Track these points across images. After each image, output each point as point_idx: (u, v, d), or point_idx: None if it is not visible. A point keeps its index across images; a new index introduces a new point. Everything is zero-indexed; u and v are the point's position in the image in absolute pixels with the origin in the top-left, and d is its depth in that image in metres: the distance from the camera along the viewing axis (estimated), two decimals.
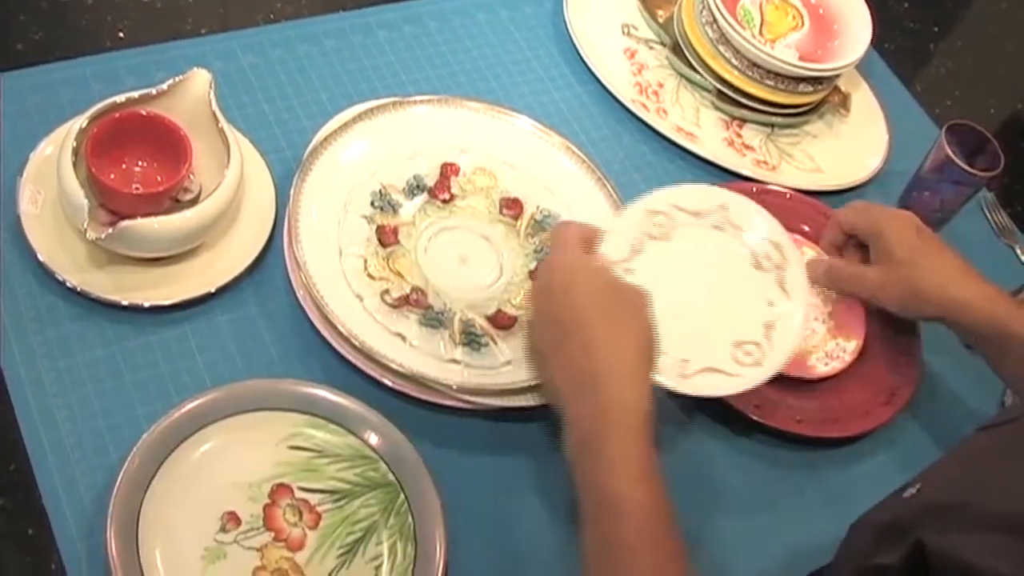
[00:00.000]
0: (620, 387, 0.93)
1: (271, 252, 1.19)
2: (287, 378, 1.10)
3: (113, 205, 1.10)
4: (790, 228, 1.21)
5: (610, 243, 1.10)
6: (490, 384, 1.12)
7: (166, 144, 1.13)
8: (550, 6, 1.57)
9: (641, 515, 0.88)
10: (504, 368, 1.15)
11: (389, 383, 1.11)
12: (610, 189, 1.30)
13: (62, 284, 1.09)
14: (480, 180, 1.29)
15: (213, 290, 1.14)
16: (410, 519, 1.05)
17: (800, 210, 1.40)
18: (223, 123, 1.16)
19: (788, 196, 1.42)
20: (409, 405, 1.12)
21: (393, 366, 1.09)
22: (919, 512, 0.91)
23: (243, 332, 1.14)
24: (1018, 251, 1.53)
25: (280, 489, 1.04)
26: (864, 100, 1.64)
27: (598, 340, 0.95)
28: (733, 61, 1.47)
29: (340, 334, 1.09)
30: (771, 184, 1.44)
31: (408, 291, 1.17)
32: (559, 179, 1.31)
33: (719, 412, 1.22)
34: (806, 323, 1.17)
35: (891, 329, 1.32)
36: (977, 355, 1.24)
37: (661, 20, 1.58)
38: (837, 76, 1.53)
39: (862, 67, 1.62)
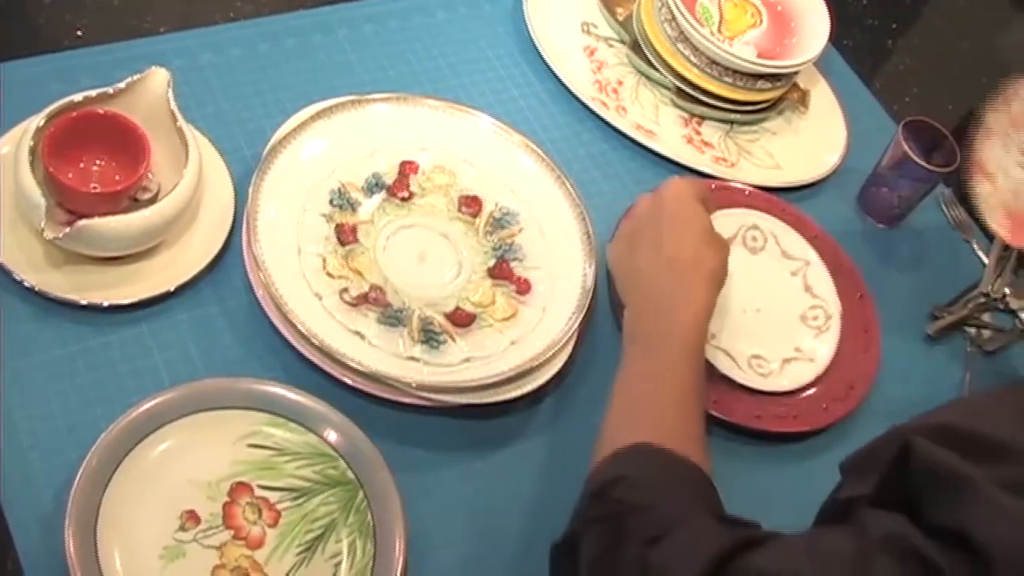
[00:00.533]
0: (695, 289, 1.11)
1: (230, 251, 1.18)
2: (246, 376, 1.10)
3: (71, 204, 1.10)
4: None
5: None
6: (449, 381, 1.12)
7: (124, 143, 1.13)
8: (509, 4, 1.57)
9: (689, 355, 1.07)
10: (463, 365, 1.15)
11: (348, 381, 1.11)
12: (569, 187, 1.30)
13: (19, 284, 1.09)
14: (439, 178, 1.29)
15: (172, 289, 1.13)
16: (369, 516, 1.05)
17: (759, 206, 1.41)
18: (181, 122, 1.15)
19: (747, 193, 1.43)
20: (368, 403, 1.12)
21: (352, 364, 1.09)
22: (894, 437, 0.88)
23: (202, 331, 1.14)
24: (974, 245, 1.54)
25: (239, 487, 1.04)
26: (823, 97, 1.65)
27: (689, 247, 1.13)
28: (692, 59, 1.47)
29: (299, 333, 1.09)
30: (730, 181, 1.45)
31: (367, 289, 1.18)
32: (518, 177, 1.31)
33: None
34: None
35: (847, 324, 1.34)
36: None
37: (620, 18, 1.58)
38: (795, 73, 1.54)
39: (821, 64, 1.62)
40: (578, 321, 1.20)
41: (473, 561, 1.09)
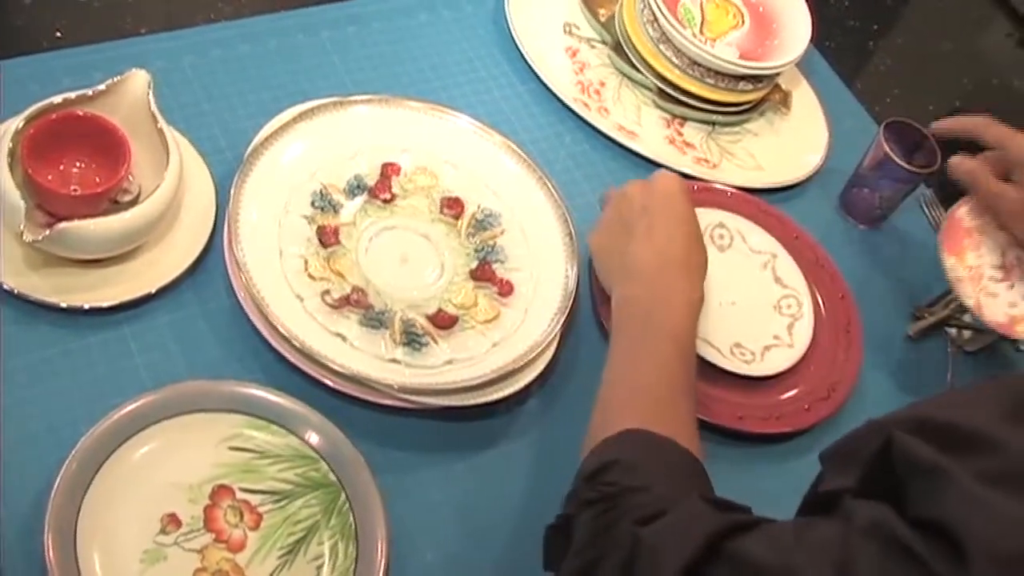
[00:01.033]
0: (688, 280, 1.13)
1: (211, 253, 1.18)
2: (227, 379, 1.09)
3: (51, 207, 1.09)
4: None
5: None
6: (431, 384, 1.12)
7: (104, 145, 1.12)
8: (491, 5, 1.57)
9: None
10: (445, 367, 1.15)
11: (330, 383, 1.11)
12: (551, 188, 1.30)
13: None
14: (421, 179, 1.29)
15: (153, 291, 1.13)
16: (351, 519, 1.05)
17: (741, 207, 1.41)
18: (162, 124, 1.15)
19: (729, 194, 1.43)
20: (350, 405, 1.12)
21: (334, 367, 1.09)
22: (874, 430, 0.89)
23: (183, 333, 1.13)
24: None
25: (221, 490, 1.04)
26: (804, 98, 1.65)
27: (680, 242, 1.15)
28: (674, 60, 1.48)
29: (280, 335, 1.09)
30: (712, 182, 1.45)
31: (349, 291, 1.17)
32: (500, 178, 1.31)
33: None
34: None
35: (829, 325, 1.34)
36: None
37: (603, 19, 1.58)
38: (777, 74, 1.54)
39: (803, 65, 1.63)
40: (560, 322, 1.20)
41: (456, 563, 1.09)
